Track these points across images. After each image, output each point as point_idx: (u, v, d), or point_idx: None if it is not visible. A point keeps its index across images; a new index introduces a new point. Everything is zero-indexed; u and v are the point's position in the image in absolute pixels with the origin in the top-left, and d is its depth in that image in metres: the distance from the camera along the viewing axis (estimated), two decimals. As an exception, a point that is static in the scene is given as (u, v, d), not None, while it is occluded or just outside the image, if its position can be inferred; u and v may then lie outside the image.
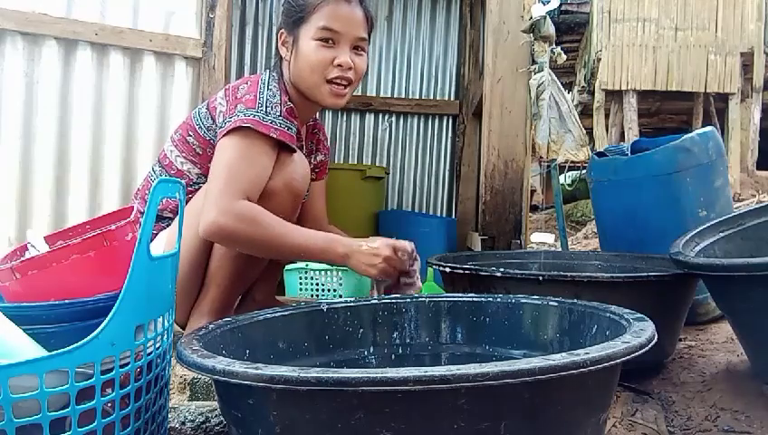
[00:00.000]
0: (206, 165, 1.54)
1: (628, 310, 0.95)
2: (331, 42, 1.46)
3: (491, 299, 1.20)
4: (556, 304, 1.12)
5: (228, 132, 1.40)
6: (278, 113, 1.43)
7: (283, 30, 1.53)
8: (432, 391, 0.62)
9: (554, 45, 2.37)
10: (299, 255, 1.43)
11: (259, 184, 1.41)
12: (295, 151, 1.49)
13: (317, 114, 1.77)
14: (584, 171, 3.30)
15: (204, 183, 1.53)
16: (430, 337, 1.22)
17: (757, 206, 1.86)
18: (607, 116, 8.68)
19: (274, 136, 1.40)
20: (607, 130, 8.70)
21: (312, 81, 1.48)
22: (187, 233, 1.42)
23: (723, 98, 8.31)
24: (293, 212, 1.55)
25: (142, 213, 0.87)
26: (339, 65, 1.46)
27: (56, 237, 1.18)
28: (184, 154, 1.56)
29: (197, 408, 1.16)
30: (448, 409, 0.66)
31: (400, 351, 1.21)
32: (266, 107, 1.42)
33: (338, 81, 1.48)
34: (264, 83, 1.47)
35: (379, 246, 1.35)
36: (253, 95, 1.44)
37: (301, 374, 0.64)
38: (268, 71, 1.55)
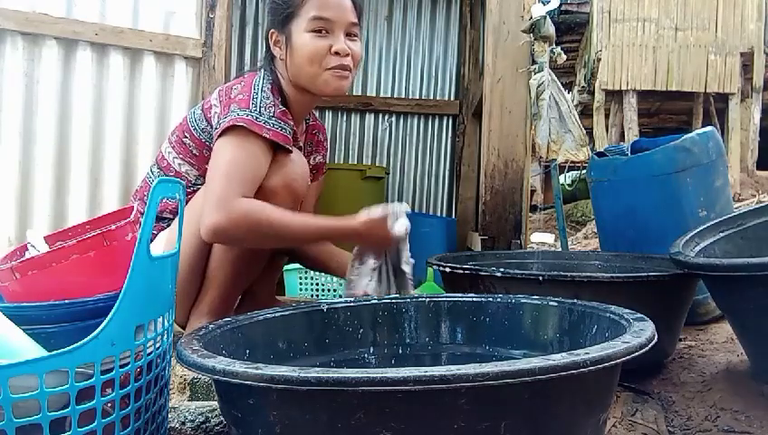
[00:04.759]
0: (203, 166, 1.54)
1: (628, 310, 0.95)
2: (324, 31, 1.45)
3: (491, 299, 1.20)
4: (556, 304, 1.12)
5: (223, 132, 1.40)
6: (271, 114, 1.43)
7: (273, 30, 1.52)
8: (432, 391, 0.62)
9: (554, 45, 2.37)
10: (308, 238, 1.45)
11: (255, 183, 1.41)
12: (292, 152, 1.49)
13: (316, 113, 1.76)
14: (584, 171, 3.30)
15: (202, 184, 1.53)
16: (430, 337, 1.22)
17: (757, 206, 1.86)
18: (607, 116, 8.68)
19: (267, 136, 1.40)
20: (607, 130, 8.70)
21: (311, 72, 1.47)
22: (187, 233, 1.42)
23: (723, 98, 8.31)
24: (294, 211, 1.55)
25: (142, 213, 0.87)
26: (336, 53, 1.45)
27: (56, 238, 1.18)
28: (181, 156, 1.56)
29: (197, 408, 1.15)
30: (448, 409, 0.66)
31: (400, 351, 1.21)
32: (260, 107, 1.42)
33: (338, 69, 1.47)
34: (257, 85, 1.47)
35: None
36: (246, 95, 1.44)
37: (301, 374, 0.64)
38: (262, 71, 1.54)
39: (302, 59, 1.46)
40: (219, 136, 1.41)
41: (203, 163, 1.54)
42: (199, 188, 1.53)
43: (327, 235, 1.46)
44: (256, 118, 1.40)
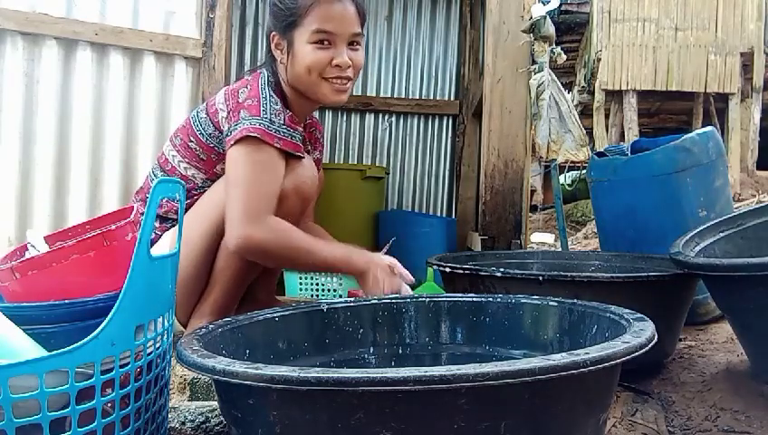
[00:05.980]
0: (210, 170, 1.54)
1: (628, 310, 0.95)
2: (326, 42, 1.45)
3: (491, 299, 1.20)
4: (556, 304, 1.12)
5: (237, 142, 1.41)
6: (282, 121, 1.44)
7: (274, 33, 1.51)
8: (432, 391, 0.62)
9: (554, 45, 2.37)
10: (321, 267, 1.55)
11: (276, 194, 1.43)
12: (303, 157, 1.50)
13: (315, 113, 1.77)
14: (584, 171, 3.30)
15: (209, 187, 1.54)
16: (430, 337, 1.22)
17: (757, 206, 1.86)
18: (607, 116, 8.68)
19: (278, 146, 1.41)
20: (607, 130, 8.70)
21: (310, 81, 1.47)
22: (193, 234, 1.43)
23: (723, 98, 8.31)
24: (301, 214, 1.57)
25: (142, 214, 0.87)
26: (337, 66, 1.45)
27: (56, 238, 1.18)
28: (187, 160, 1.56)
29: (197, 408, 1.16)
30: (448, 409, 0.66)
31: (400, 351, 1.21)
32: (270, 114, 1.42)
33: (337, 80, 1.47)
34: (263, 89, 1.47)
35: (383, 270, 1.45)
36: (255, 101, 1.44)
37: (301, 374, 0.64)
38: (265, 73, 1.53)
39: (301, 68, 1.47)
40: (233, 145, 1.42)
41: (210, 167, 1.54)
42: (205, 191, 1.53)
43: (340, 266, 1.50)
44: (268, 127, 1.41)
